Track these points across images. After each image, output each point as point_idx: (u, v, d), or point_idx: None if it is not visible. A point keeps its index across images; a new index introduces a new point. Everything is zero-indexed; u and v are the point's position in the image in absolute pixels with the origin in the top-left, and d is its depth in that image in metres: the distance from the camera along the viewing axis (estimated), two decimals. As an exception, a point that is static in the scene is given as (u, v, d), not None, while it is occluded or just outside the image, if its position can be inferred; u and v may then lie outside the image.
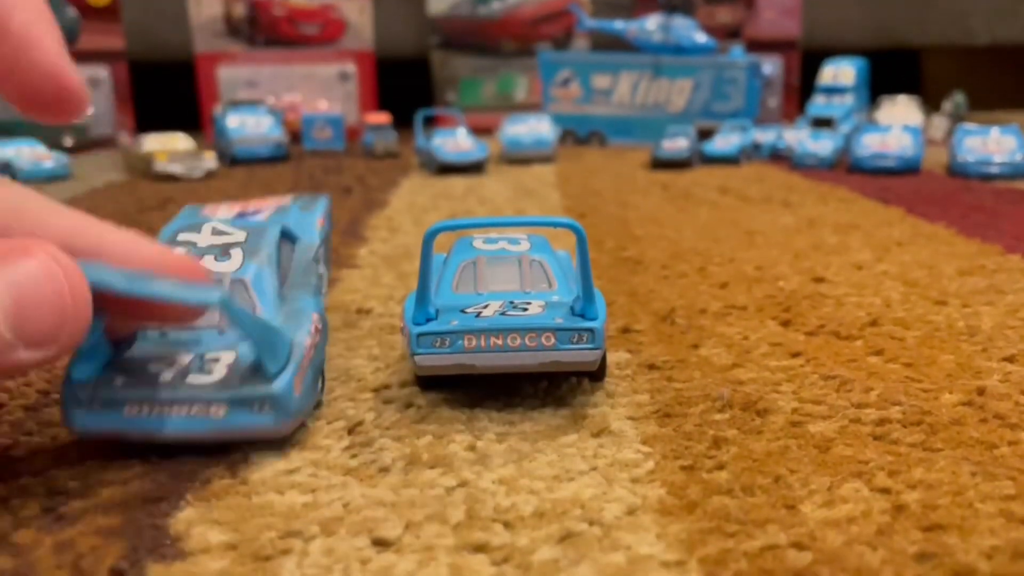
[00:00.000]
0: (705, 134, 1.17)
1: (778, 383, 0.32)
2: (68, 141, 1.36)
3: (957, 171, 0.92)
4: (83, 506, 0.24)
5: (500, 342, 0.29)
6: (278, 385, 0.26)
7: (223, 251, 0.30)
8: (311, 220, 0.37)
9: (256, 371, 0.27)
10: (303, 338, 0.28)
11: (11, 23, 0.22)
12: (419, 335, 0.29)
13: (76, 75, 0.25)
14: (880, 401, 0.30)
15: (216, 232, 0.31)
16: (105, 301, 0.24)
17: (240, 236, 0.31)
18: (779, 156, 1.12)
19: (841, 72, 1.24)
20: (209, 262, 0.30)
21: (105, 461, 0.27)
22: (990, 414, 0.28)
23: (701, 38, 1.31)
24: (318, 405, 0.30)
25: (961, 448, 0.26)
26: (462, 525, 0.23)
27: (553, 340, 0.29)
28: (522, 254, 0.33)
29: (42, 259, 0.22)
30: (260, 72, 1.48)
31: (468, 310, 0.30)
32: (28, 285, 0.21)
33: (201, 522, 0.23)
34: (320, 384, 0.30)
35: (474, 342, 0.29)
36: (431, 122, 1.36)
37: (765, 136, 1.14)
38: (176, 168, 1.00)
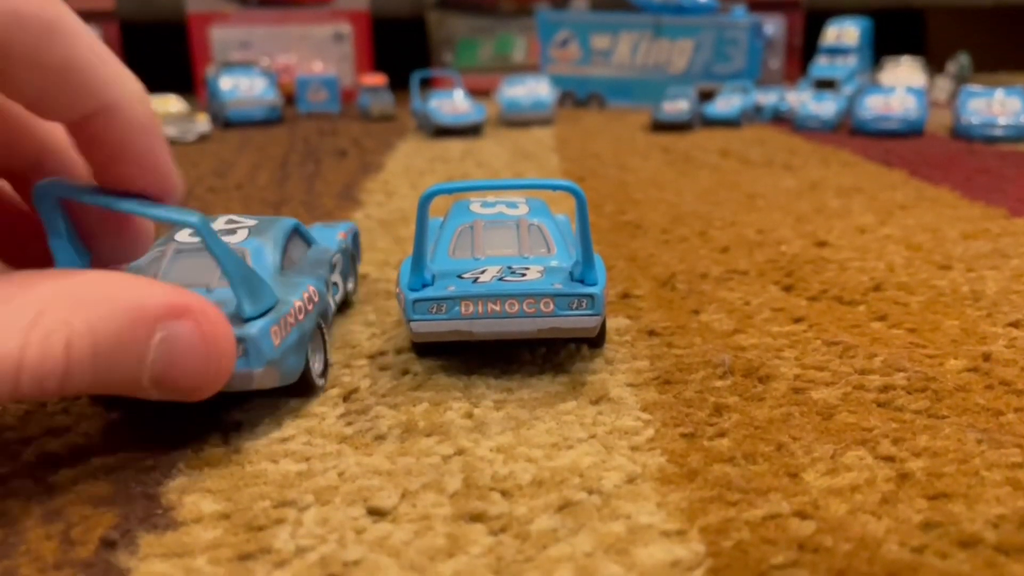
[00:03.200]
0: (706, 96, 1.16)
1: (780, 349, 0.31)
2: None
3: (961, 133, 0.91)
4: (73, 474, 0.23)
5: (498, 308, 0.28)
6: (252, 327, 0.25)
7: (231, 230, 0.30)
8: (332, 232, 0.37)
9: (235, 318, 0.25)
10: (292, 299, 0.27)
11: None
12: (415, 301, 0.28)
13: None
14: (884, 367, 0.29)
15: (230, 220, 0.31)
16: (95, 222, 0.26)
17: (251, 223, 0.31)
18: (781, 118, 1.11)
19: (844, 32, 1.22)
20: None
21: (95, 429, 0.26)
22: (996, 380, 0.28)
23: (702, -3, 1.29)
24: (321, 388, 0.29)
25: (966, 415, 0.26)
26: (459, 494, 0.22)
27: (552, 306, 0.28)
28: (520, 218, 0.32)
29: (204, 328, 0.22)
30: (254, 33, 1.46)
31: (465, 275, 0.29)
32: (184, 349, 0.22)
33: (193, 491, 0.23)
34: (324, 365, 0.29)
35: (471, 308, 0.28)
36: (428, 84, 1.34)
37: (767, 98, 1.12)
38: (168, 131, 0.99)
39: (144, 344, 0.22)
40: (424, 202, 0.28)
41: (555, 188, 0.28)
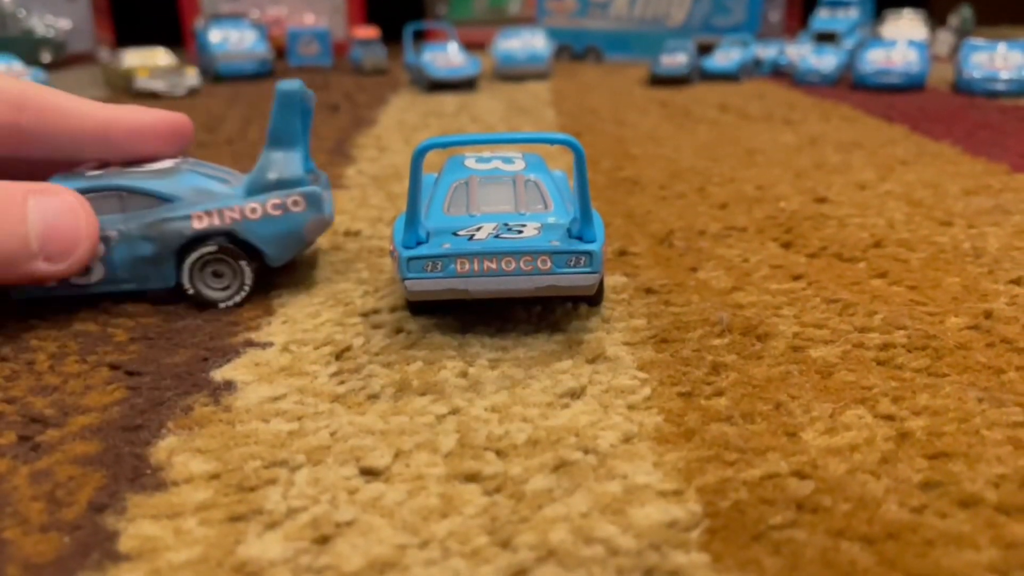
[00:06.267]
0: (705, 49, 1.14)
1: (779, 307, 0.31)
2: (46, 57, 1.32)
3: (963, 88, 0.90)
4: (60, 434, 0.23)
5: (494, 266, 0.27)
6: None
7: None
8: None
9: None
10: None
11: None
12: (409, 259, 0.28)
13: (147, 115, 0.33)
14: (884, 325, 0.29)
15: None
16: None
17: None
18: (781, 72, 1.09)
19: (846, -16, 1.20)
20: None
21: (83, 387, 0.26)
22: (997, 338, 0.28)
23: (702, -53, 1.26)
24: None
25: (967, 373, 0.25)
26: (453, 454, 0.22)
27: (549, 264, 0.27)
28: (517, 174, 0.32)
29: (67, 197, 0.29)
30: (243, -17, 1.42)
31: (461, 232, 0.29)
32: (55, 214, 0.29)
33: (183, 451, 0.22)
34: None
35: (467, 266, 0.27)
36: (421, 36, 1.32)
37: (767, 51, 1.11)
38: (158, 85, 0.97)
39: (21, 208, 0.28)
40: (418, 157, 0.27)
41: (552, 142, 0.28)
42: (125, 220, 0.31)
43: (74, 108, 0.32)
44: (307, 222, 0.32)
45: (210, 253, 0.31)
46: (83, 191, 0.31)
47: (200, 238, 0.31)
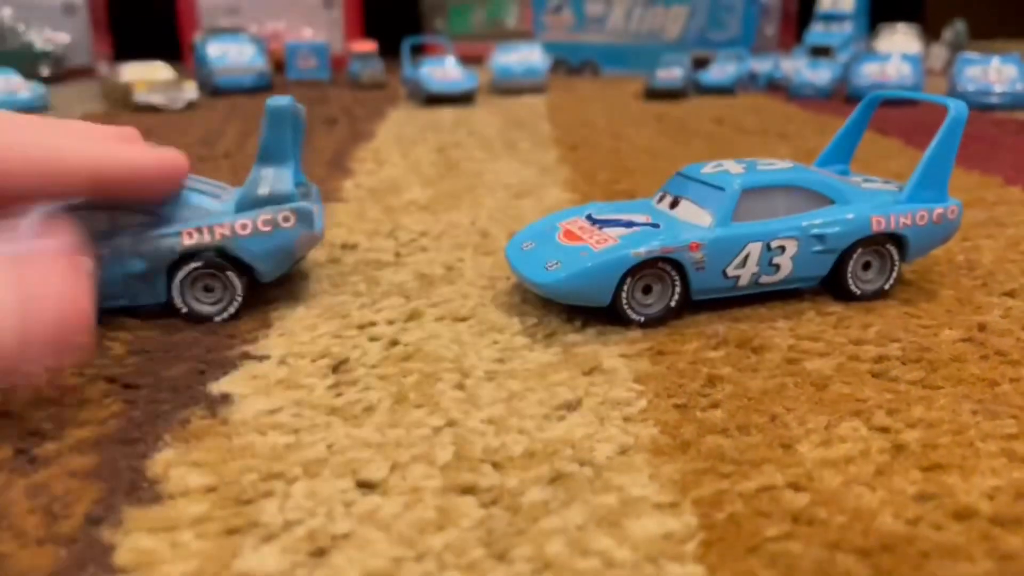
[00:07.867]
0: (700, 63, 1.15)
1: (774, 319, 0.31)
2: (45, 71, 1.32)
3: (957, 101, 0.90)
4: (57, 447, 0.23)
5: None
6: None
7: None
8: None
9: None
10: None
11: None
12: None
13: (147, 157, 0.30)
14: (878, 337, 0.29)
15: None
16: None
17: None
18: (776, 86, 1.10)
19: (841, -1, 1.21)
20: None
21: (80, 400, 0.26)
22: (991, 350, 0.28)
23: (698, -38, 1.27)
24: None
25: (962, 386, 0.25)
26: (449, 466, 0.22)
27: None
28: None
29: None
30: (241, -2, 1.43)
31: None
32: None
33: (180, 464, 0.22)
34: None
35: None
36: (419, 51, 1.32)
37: (762, 65, 1.11)
38: (156, 98, 0.97)
39: None
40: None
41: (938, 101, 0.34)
42: (116, 237, 0.31)
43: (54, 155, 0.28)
44: (297, 238, 0.32)
45: (198, 268, 0.31)
46: (73, 208, 0.31)
47: (190, 254, 0.31)
